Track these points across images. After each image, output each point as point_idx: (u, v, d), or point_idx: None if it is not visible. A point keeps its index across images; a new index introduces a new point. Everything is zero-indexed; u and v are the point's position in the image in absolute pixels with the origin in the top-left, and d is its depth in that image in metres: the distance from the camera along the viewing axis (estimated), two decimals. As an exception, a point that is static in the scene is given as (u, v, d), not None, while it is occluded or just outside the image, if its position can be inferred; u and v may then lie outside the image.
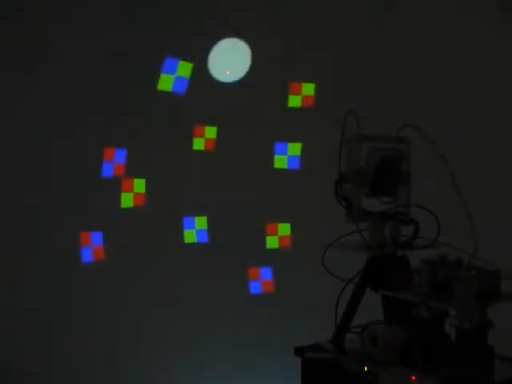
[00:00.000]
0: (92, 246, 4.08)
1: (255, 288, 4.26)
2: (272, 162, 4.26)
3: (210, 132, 4.22)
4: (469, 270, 1.95)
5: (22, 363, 3.95)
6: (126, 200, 4.12)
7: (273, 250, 4.26)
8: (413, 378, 1.94)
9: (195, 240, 4.22)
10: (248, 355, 4.15)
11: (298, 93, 4.25)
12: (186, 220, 4.20)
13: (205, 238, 4.22)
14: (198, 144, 4.22)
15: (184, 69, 4.17)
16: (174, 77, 4.16)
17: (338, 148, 2.29)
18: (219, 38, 4.17)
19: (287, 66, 4.20)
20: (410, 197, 2.30)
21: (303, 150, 4.26)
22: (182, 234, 4.20)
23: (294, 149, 4.26)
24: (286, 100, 4.25)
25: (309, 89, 4.25)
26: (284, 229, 4.26)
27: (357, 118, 2.29)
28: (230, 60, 4.19)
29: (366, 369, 2.04)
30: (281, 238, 4.26)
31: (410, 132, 2.28)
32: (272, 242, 4.26)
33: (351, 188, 2.28)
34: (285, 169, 4.28)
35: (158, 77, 4.13)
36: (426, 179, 2.53)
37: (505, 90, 4.08)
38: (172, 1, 4.14)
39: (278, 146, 4.26)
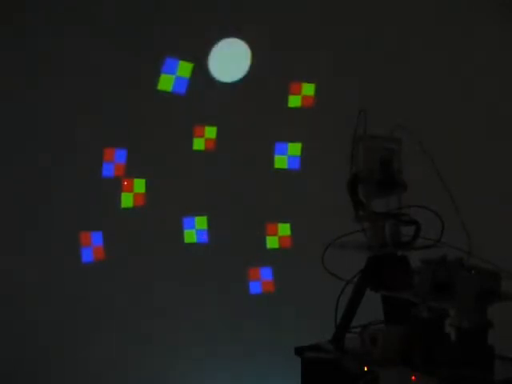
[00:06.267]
0: (92, 246, 4.08)
1: (255, 288, 4.27)
2: (272, 161, 4.27)
3: (210, 132, 4.22)
4: (469, 270, 1.95)
5: (21, 363, 3.95)
6: (126, 200, 4.12)
7: (273, 250, 4.26)
8: (413, 378, 1.94)
9: (195, 240, 4.22)
10: (248, 355, 4.15)
11: (298, 93, 4.25)
12: (185, 220, 4.20)
13: (205, 238, 4.22)
14: (198, 144, 4.22)
15: (184, 69, 4.17)
16: (174, 77, 4.16)
17: (351, 147, 2.28)
18: (219, 38, 4.17)
19: (287, 65, 4.20)
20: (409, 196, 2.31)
21: (303, 149, 4.26)
22: (182, 234, 4.20)
23: (294, 149, 4.27)
24: (286, 100, 4.25)
25: (309, 89, 4.25)
26: (284, 229, 4.26)
27: (366, 117, 2.29)
28: (229, 60, 4.19)
29: (366, 369, 2.04)
30: (281, 238, 4.26)
31: (408, 132, 2.29)
32: (272, 242, 4.26)
33: (363, 188, 2.28)
34: (285, 169, 4.28)
35: (158, 77, 4.13)
36: (425, 179, 2.53)
37: (505, 89, 4.09)
38: (172, 1, 4.14)
39: (278, 145, 4.27)
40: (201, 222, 4.22)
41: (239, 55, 4.19)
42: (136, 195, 4.13)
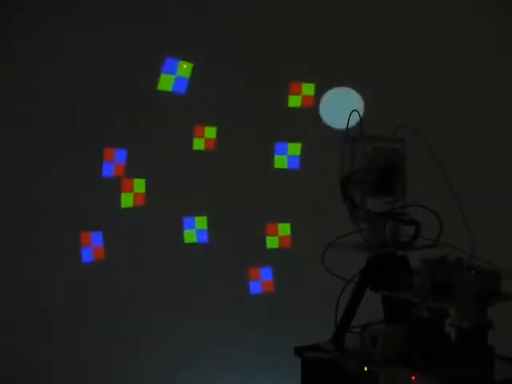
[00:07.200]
0: (92, 246, 4.08)
1: (255, 288, 4.27)
2: (272, 162, 4.27)
3: (210, 132, 4.22)
4: (469, 270, 1.95)
5: (21, 363, 3.95)
6: (126, 200, 4.12)
7: (273, 250, 4.26)
8: (413, 378, 1.94)
9: (195, 240, 4.22)
10: (248, 355, 4.15)
11: (298, 93, 4.25)
12: (185, 220, 4.20)
13: (205, 238, 4.22)
14: (198, 144, 4.22)
15: (184, 69, 4.16)
16: (173, 77, 4.16)
17: (341, 148, 2.29)
18: (220, 38, 4.17)
19: (287, 65, 4.20)
20: (407, 197, 2.31)
21: (303, 149, 4.26)
22: (182, 234, 4.20)
23: (294, 149, 4.27)
24: (286, 100, 4.25)
25: (309, 89, 4.25)
26: (284, 229, 4.26)
27: (360, 117, 2.29)
28: (341, 108, 4.09)
29: (366, 369, 2.04)
30: (281, 238, 4.26)
31: (406, 132, 2.29)
32: (272, 242, 4.26)
33: (357, 188, 2.28)
34: (285, 169, 4.28)
35: (158, 77, 4.13)
36: (423, 180, 2.53)
37: (506, 90, 4.09)
38: (172, 1, 4.14)
39: (278, 145, 4.27)
40: (201, 222, 4.22)
41: (351, 104, 4.10)
42: (136, 195, 4.13)
